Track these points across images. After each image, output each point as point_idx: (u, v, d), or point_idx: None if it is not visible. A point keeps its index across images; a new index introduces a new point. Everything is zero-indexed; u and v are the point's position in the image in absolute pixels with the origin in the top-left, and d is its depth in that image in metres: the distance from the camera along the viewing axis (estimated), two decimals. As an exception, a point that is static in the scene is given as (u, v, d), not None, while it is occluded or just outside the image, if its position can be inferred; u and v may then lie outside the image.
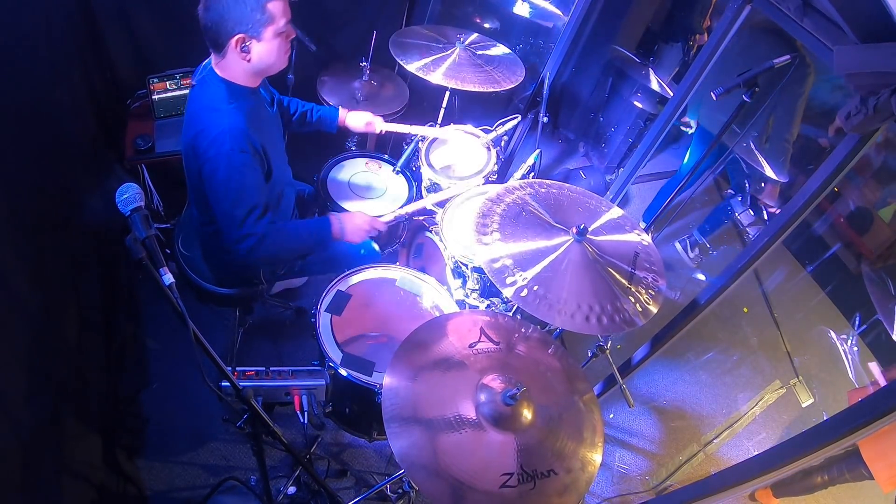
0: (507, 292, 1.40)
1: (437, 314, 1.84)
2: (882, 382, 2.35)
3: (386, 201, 2.26)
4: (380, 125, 2.18)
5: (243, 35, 1.46)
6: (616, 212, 1.70)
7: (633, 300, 1.44)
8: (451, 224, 2.08)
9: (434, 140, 2.37)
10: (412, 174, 2.36)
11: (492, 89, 2.24)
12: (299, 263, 2.01)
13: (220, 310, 2.45)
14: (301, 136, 2.19)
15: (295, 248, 1.73)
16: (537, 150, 2.26)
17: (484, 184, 2.24)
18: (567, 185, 1.76)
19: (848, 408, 1.21)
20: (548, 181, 1.76)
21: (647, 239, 1.63)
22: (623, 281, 1.48)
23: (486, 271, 1.46)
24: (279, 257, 1.72)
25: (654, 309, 1.46)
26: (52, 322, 1.66)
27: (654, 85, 3.06)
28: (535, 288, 1.40)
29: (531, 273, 1.44)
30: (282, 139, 1.88)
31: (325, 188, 2.23)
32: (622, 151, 3.64)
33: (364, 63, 2.40)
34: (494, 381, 1.29)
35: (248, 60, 1.51)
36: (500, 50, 2.47)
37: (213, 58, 1.57)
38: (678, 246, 3.43)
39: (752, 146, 2.89)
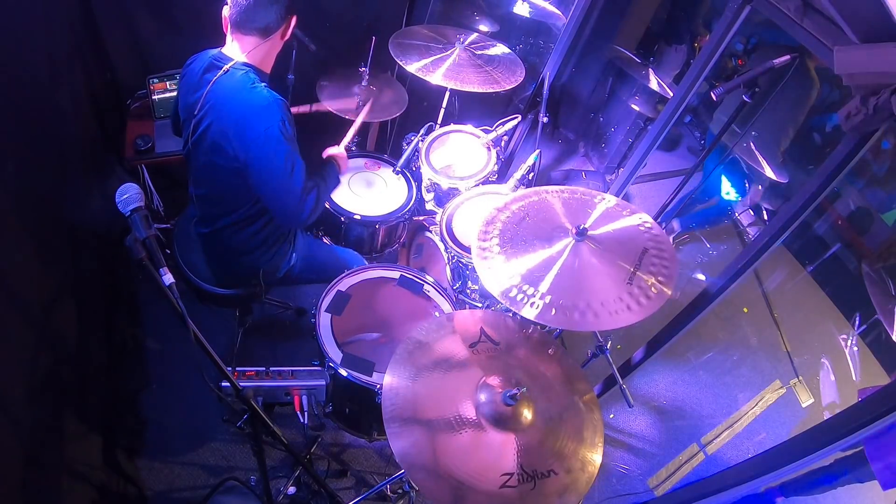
0: (531, 314, 1.35)
1: (437, 314, 1.84)
2: None
3: (385, 201, 2.26)
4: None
5: (294, 15, 1.59)
6: (608, 199, 1.66)
7: (650, 275, 1.42)
8: (459, 225, 2.08)
9: (434, 140, 2.37)
10: (412, 174, 2.36)
11: (492, 89, 2.24)
12: (295, 272, 2.01)
13: (220, 310, 2.45)
14: (301, 135, 2.18)
15: (328, 193, 1.87)
16: (537, 151, 2.26)
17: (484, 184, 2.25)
18: (553, 186, 1.72)
19: (848, 408, 1.21)
20: (532, 189, 1.73)
21: (645, 217, 1.60)
22: (636, 260, 1.45)
23: (504, 303, 1.40)
24: (322, 205, 1.81)
25: (671, 284, 1.42)
26: (52, 322, 1.66)
27: (654, 85, 3.06)
28: (560, 301, 1.36)
29: (546, 286, 1.39)
30: None
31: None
32: (622, 151, 3.64)
33: (363, 68, 2.40)
34: (494, 381, 1.29)
35: (287, 37, 1.63)
36: (499, 50, 2.47)
37: (249, 42, 1.56)
38: None
39: (752, 146, 2.90)
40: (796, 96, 2.81)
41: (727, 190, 3.43)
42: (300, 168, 1.57)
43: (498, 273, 1.44)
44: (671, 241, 3.32)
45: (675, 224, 3.43)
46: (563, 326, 1.34)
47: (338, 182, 1.89)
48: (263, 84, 1.57)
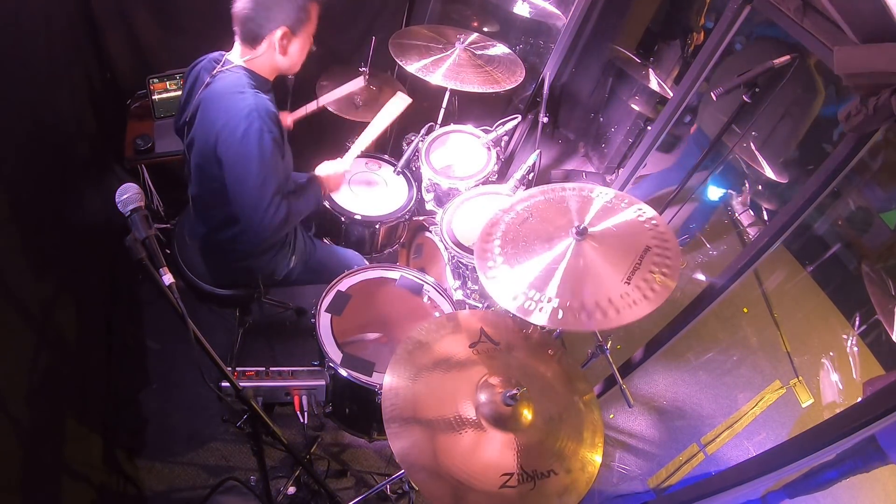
0: (541, 320, 1.31)
1: (437, 314, 1.84)
2: None
3: (386, 201, 2.25)
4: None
5: (288, 29, 1.52)
6: (604, 194, 1.61)
7: (655, 267, 1.37)
8: (459, 226, 2.07)
9: (434, 140, 2.37)
10: (412, 174, 2.36)
11: (492, 89, 2.24)
12: (294, 274, 2.01)
13: (220, 310, 2.45)
14: (302, 135, 2.18)
15: (301, 215, 1.74)
16: (537, 151, 2.26)
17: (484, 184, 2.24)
18: (547, 185, 1.68)
19: (849, 407, 1.21)
20: (526, 191, 1.69)
21: (645, 210, 1.55)
22: (641, 252, 1.40)
23: (513, 313, 1.36)
24: (291, 225, 1.74)
25: (675, 275, 1.36)
26: (52, 322, 1.66)
27: (654, 85, 3.06)
28: (567, 303, 1.32)
29: (552, 290, 1.35)
30: None
31: (325, 188, 2.22)
32: (622, 152, 3.63)
33: (363, 68, 2.40)
34: (494, 382, 1.29)
35: (284, 54, 1.57)
36: (499, 50, 2.47)
37: (240, 50, 1.58)
38: None
39: (752, 146, 2.90)
40: (800, 106, 2.77)
41: (713, 194, 3.42)
42: (271, 184, 1.52)
43: (506, 284, 1.40)
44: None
45: None
46: (572, 328, 1.30)
47: (318, 203, 1.83)
48: (255, 90, 1.54)
